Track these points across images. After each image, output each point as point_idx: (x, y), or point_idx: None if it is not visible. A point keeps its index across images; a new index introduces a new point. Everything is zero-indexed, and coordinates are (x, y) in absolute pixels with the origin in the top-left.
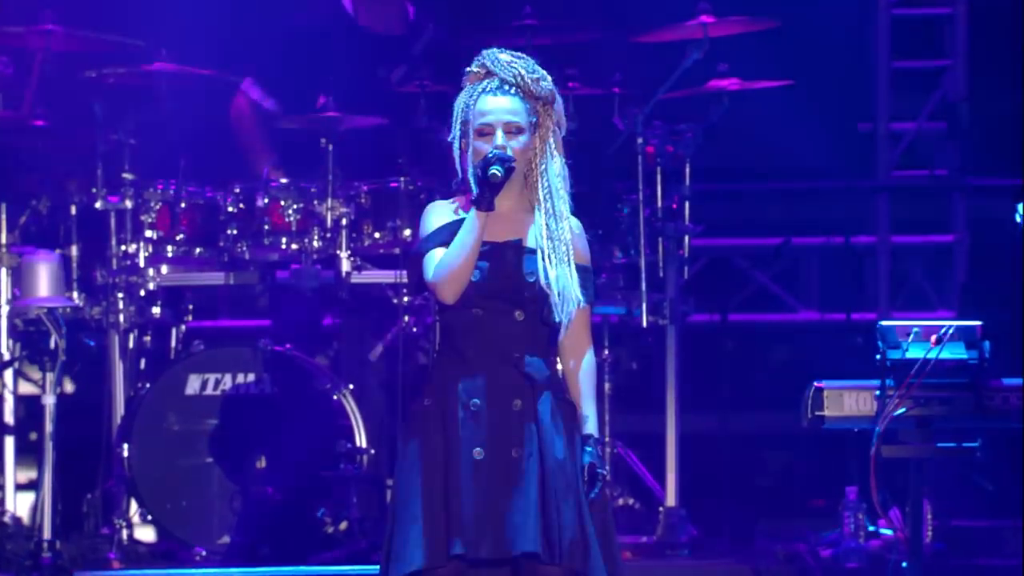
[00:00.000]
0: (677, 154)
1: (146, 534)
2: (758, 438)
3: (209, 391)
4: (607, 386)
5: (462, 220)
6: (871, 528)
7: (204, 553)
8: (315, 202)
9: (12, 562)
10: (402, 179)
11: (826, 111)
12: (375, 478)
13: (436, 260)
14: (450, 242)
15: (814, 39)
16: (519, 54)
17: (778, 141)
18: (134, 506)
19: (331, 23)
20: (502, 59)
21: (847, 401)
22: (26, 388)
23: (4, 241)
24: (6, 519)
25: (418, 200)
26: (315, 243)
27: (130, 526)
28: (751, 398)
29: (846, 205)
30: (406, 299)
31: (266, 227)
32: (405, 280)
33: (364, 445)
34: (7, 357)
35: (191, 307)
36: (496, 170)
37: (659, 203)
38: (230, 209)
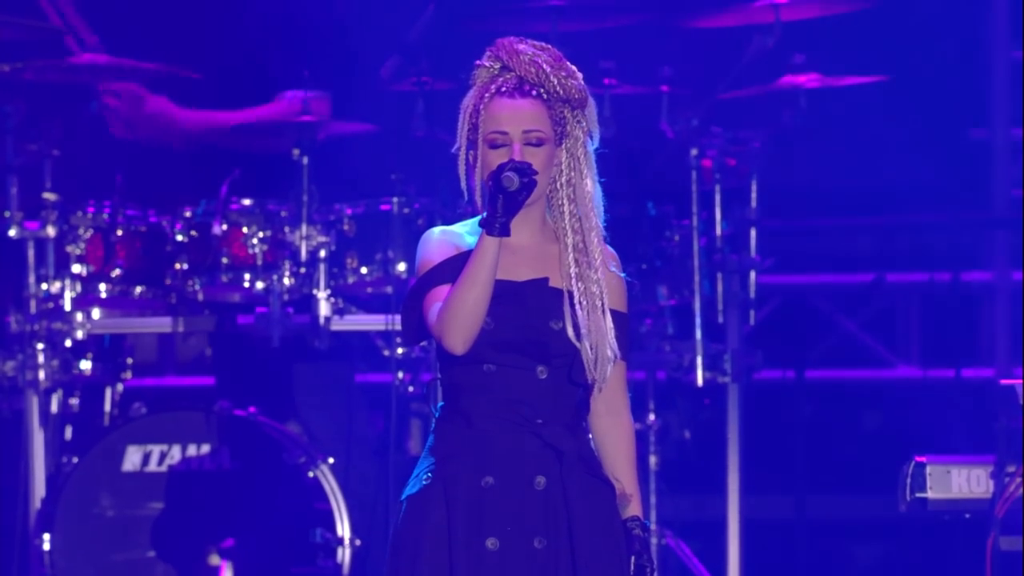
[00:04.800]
0: (740, 169)
1: None
2: (843, 526)
3: (152, 467)
4: (652, 460)
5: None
6: None
7: None
8: (286, 229)
9: None
10: (395, 200)
11: (929, 114)
12: None
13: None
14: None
15: (914, 24)
16: (542, 44)
17: (868, 151)
18: None
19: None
20: (521, 50)
21: (956, 480)
22: None
23: None
24: None
25: (415, 226)
26: (286, 280)
27: None
28: (834, 476)
29: (954, 232)
30: (400, 351)
31: (224, 261)
32: (399, 327)
33: (347, 534)
34: None
35: (130, 361)
36: (511, 176)
37: (718, 230)
38: (179, 238)
